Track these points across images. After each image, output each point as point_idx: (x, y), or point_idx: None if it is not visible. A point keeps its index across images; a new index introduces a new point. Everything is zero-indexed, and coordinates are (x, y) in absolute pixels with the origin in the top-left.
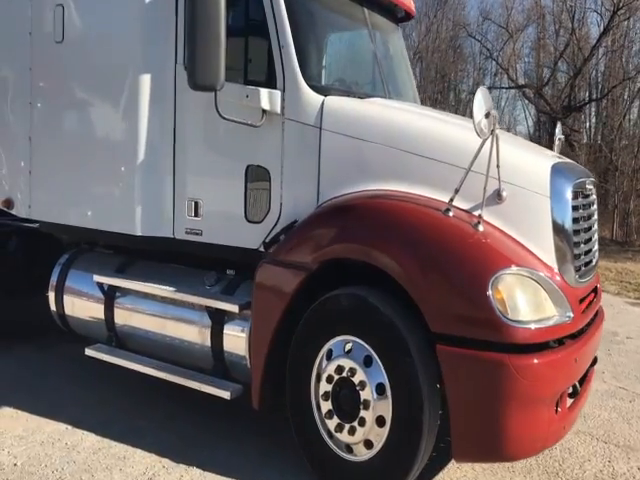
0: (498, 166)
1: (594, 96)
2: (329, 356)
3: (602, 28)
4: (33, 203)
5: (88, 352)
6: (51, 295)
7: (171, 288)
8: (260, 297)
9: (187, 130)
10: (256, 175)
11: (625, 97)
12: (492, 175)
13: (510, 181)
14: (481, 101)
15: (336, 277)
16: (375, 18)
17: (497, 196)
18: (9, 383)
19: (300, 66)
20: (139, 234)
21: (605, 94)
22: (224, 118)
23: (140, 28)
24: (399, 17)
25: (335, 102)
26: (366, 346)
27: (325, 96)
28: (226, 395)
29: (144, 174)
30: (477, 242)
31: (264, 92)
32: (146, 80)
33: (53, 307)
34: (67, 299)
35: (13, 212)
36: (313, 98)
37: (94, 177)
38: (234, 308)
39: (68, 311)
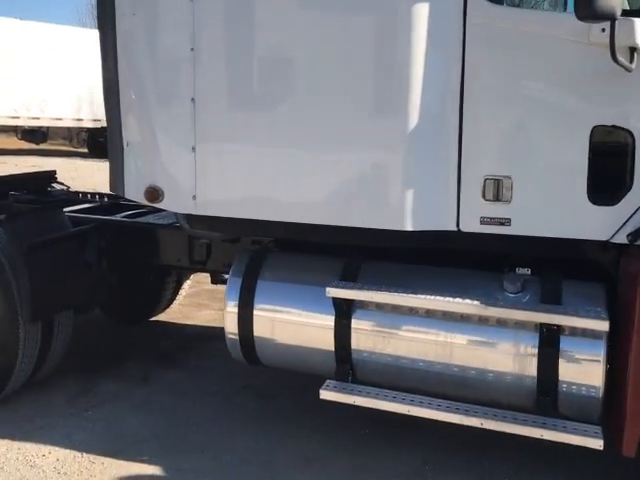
0: None
1: None
2: None
3: None
4: (201, 192)
5: (325, 395)
6: (231, 314)
7: (466, 300)
8: None
9: (482, 79)
10: (610, 140)
11: None
12: None
13: None
14: None
15: None
16: None
17: None
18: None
19: None
20: (409, 229)
21: None
22: (618, 63)
23: None
24: None
25: None
26: None
27: None
28: (598, 444)
29: (416, 146)
30: None
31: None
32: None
33: (233, 329)
34: (261, 320)
35: (160, 206)
36: None
37: (326, 151)
38: (602, 325)
39: (264, 335)
